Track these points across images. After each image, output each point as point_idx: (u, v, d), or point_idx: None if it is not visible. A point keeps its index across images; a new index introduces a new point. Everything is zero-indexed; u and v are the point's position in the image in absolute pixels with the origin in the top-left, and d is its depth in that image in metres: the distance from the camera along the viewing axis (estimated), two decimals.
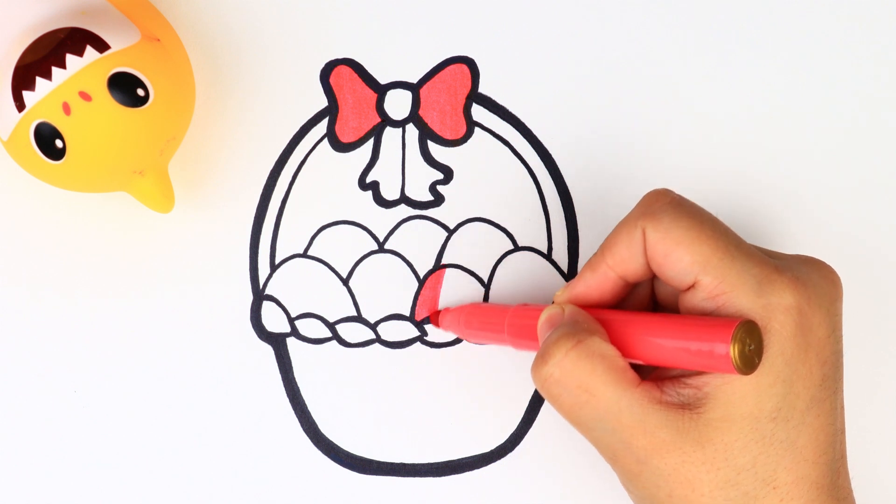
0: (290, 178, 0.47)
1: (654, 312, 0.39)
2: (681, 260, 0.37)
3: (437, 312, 0.46)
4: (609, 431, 0.37)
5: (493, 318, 0.43)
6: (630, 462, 0.37)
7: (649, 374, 0.38)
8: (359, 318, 0.47)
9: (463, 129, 0.47)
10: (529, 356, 0.47)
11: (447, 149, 0.47)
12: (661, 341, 0.36)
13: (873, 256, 0.47)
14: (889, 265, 0.47)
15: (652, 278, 0.40)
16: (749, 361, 0.35)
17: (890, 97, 0.48)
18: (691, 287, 0.37)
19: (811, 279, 0.37)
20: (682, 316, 0.37)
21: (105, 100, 0.40)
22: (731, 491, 0.37)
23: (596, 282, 0.40)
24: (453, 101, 0.47)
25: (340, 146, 0.47)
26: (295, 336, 0.47)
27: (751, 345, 0.35)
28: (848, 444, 0.40)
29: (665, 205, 0.38)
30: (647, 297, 0.41)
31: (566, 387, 0.37)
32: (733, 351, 0.34)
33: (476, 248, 0.47)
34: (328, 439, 0.46)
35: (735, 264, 0.36)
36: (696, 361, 0.35)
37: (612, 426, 0.37)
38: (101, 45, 0.40)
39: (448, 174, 0.47)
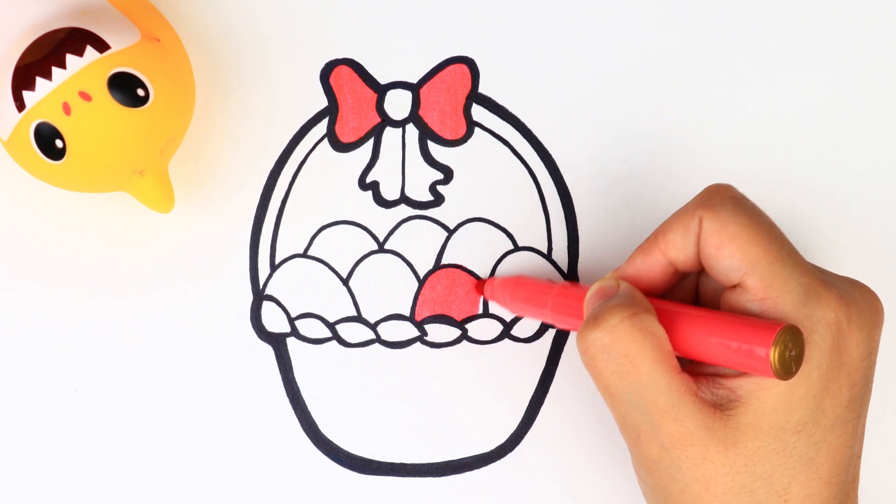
0: (290, 178, 0.47)
1: (698, 307, 0.39)
2: (732, 256, 0.37)
3: (483, 282, 0.46)
4: (641, 409, 0.37)
5: (538, 292, 0.43)
6: (653, 447, 0.37)
7: (685, 367, 0.38)
8: (359, 318, 0.47)
9: (463, 129, 0.47)
10: (528, 358, 0.47)
11: (447, 149, 0.47)
12: (703, 335, 0.36)
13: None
14: None
15: (698, 274, 0.40)
16: (787, 367, 0.34)
17: None
18: (736, 286, 0.37)
19: (856, 300, 0.37)
20: (727, 313, 0.37)
21: (105, 100, 0.40)
22: (745, 497, 0.37)
23: (646, 266, 0.40)
24: (453, 101, 0.47)
25: (340, 146, 0.47)
26: (295, 336, 0.47)
27: (791, 350, 0.34)
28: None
29: (726, 199, 0.38)
30: (690, 293, 0.41)
31: (612, 353, 0.37)
32: (773, 354, 0.34)
33: (476, 248, 0.47)
34: (328, 439, 0.46)
35: (784, 270, 0.36)
36: (736, 360, 0.35)
37: (645, 405, 0.37)
38: (101, 45, 0.40)
39: (448, 174, 0.47)
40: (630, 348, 0.37)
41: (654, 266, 0.39)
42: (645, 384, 0.37)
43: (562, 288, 0.42)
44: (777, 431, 0.36)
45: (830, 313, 0.36)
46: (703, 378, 0.37)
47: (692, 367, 0.38)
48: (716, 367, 0.37)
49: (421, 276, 0.47)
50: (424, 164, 0.47)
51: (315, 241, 0.47)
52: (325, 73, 0.47)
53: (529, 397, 0.47)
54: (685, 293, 0.41)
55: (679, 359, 0.38)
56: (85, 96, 0.40)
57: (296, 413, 0.46)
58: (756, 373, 0.35)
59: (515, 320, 0.47)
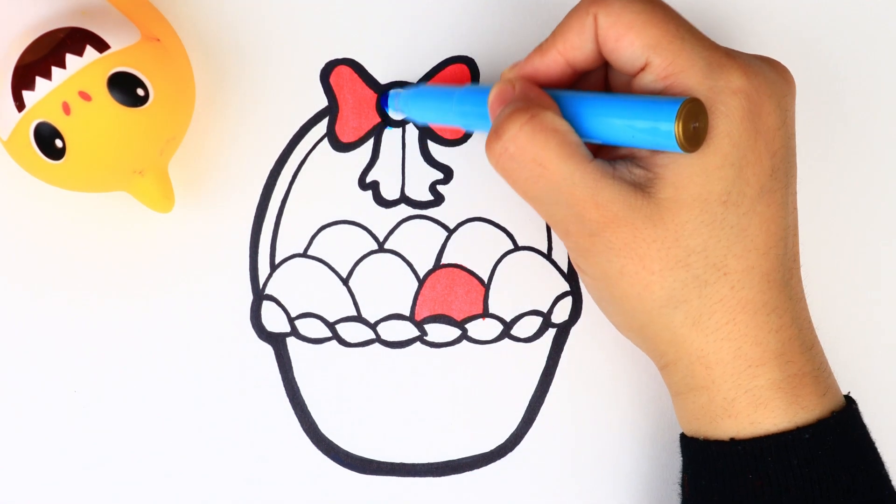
0: (290, 178, 0.47)
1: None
2: (632, 44, 0.37)
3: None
4: (563, 205, 0.38)
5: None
6: (582, 236, 0.38)
7: (601, 153, 0.39)
8: (359, 318, 0.47)
9: (463, 129, 0.47)
10: (528, 358, 0.47)
11: (447, 148, 0.47)
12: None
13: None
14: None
15: (605, 67, 0.41)
16: (693, 139, 0.35)
17: None
18: (642, 70, 0.38)
19: (762, 70, 0.38)
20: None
21: (105, 100, 0.40)
22: (682, 272, 0.37)
23: (544, 66, 0.40)
24: None
25: (340, 146, 0.47)
26: (295, 336, 0.47)
27: (696, 123, 0.35)
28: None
29: None
30: (599, 86, 0.41)
31: (520, 161, 0.37)
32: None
33: (476, 247, 0.47)
34: (328, 439, 0.46)
35: (685, 46, 0.37)
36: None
37: (565, 199, 0.37)
38: (101, 45, 0.40)
39: (448, 174, 0.47)
40: (535, 152, 0.37)
41: (551, 65, 0.40)
42: (559, 181, 0.37)
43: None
44: (701, 203, 0.37)
45: (736, 81, 0.37)
46: (619, 160, 0.38)
47: (609, 152, 0.39)
48: (630, 149, 0.38)
49: (421, 276, 0.47)
50: (424, 164, 0.47)
51: (315, 241, 0.47)
52: (325, 73, 0.47)
53: (529, 397, 0.47)
54: (593, 87, 0.42)
55: (594, 146, 0.38)
56: (85, 96, 0.40)
57: (296, 413, 0.46)
58: (664, 148, 0.36)
59: (515, 320, 0.47)
